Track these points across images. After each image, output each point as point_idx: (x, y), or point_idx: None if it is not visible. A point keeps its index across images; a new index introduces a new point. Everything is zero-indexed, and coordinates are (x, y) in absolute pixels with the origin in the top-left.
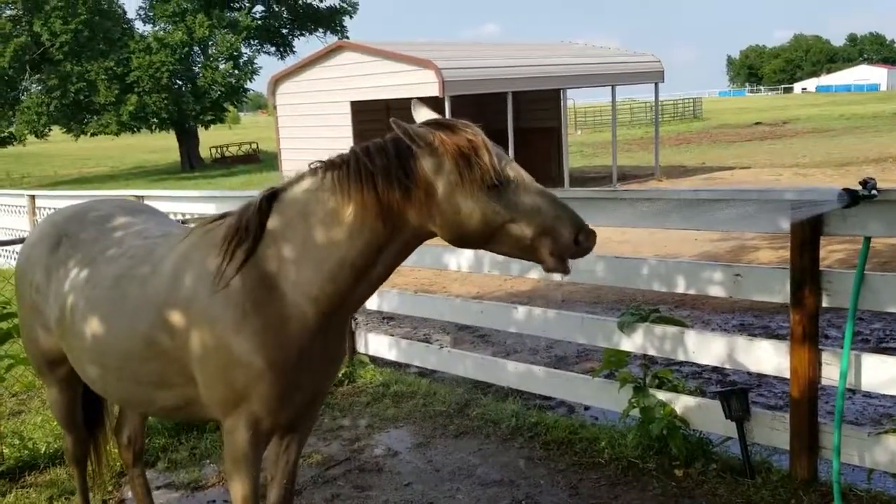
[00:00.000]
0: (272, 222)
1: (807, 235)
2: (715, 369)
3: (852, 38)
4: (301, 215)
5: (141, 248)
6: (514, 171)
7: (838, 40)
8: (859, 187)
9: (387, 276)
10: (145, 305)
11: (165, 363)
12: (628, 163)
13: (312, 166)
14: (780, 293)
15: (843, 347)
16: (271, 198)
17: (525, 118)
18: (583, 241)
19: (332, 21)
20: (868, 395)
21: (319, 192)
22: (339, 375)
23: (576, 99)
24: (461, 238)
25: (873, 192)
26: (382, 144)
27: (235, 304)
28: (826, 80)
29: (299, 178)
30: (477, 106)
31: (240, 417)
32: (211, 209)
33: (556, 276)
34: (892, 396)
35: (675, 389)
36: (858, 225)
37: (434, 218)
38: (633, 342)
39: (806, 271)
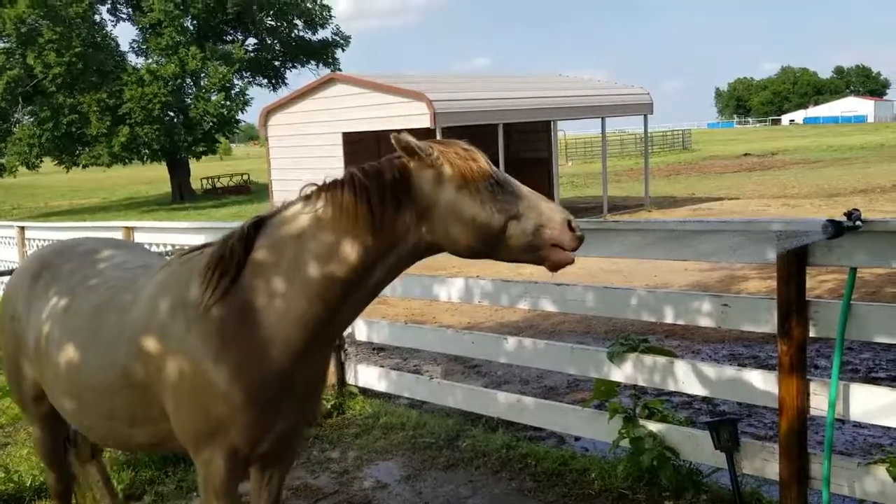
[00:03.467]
0: (258, 249)
1: (793, 266)
2: (705, 399)
3: (839, 71)
4: (289, 238)
5: (121, 280)
6: (505, 175)
7: (825, 73)
8: (844, 218)
9: (375, 295)
10: (122, 335)
11: (140, 396)
12: (618, 193)
13: (304, 191)
14: (768, 323)
15: (831, 377)
16: (257, 225)
17: (516, 149)
18: (575, 226)
19: (324, 54)
20: (858, 425)
21: (309, 214)
22: (329, 406)
23: (566, 130)
24: (469, 243)
25: (857, 223)
26: (376, 164)
27: (215, 333)
28: (814, 111)
29: (289, 203)
30: (468, 137)
31: (216, 448)
32: (201, 240)
33: (555, 273)
34: (881, 426)
35: (664, 420)
36: (844, 256)
37: (439, 229)
38: (622, 372)
39: (793, 301)
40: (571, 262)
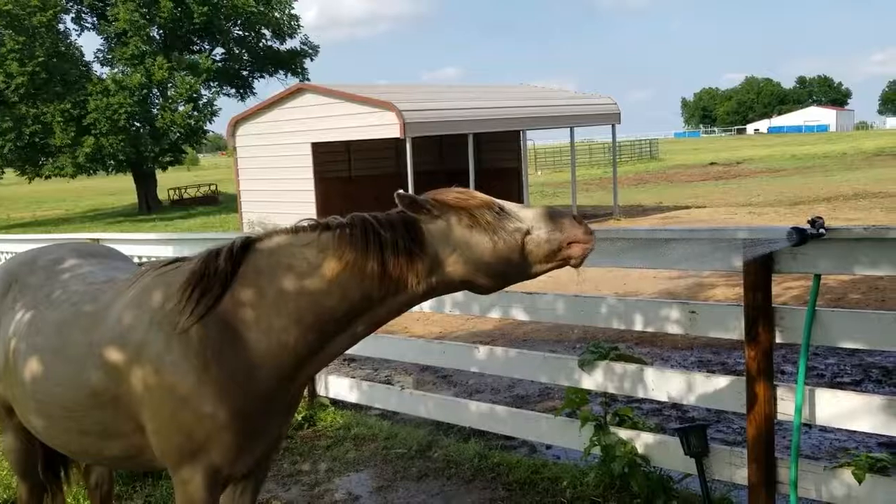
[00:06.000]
0: (245, 270)
1: (759, 273)
2: (674, 406)
3: (802, 81)
4: (281, 266)
5: (84, 295)
6: (502, 201)
7: (788, 83)
8: (808, 226)
9: (380, 326)
10: (90, 353)
11: (113, 412)
12: (588, 202)
13: (301, 223)
14: (736, 330)
15: (797, 382)
16: (246, 246)
17: (486, 159)
18: (580, 219)
19: (292, 63)
20: (824, 429)
21: (308, 249)
22: (299, 418)
23: (535, 140)
24: (499, 272)
25: (821, 230)
26: (387, 215)
27: (196, 352)
28: (777, 121)
29: (282, 231)
30: (438, 147)
31: (196, 467)
32: (169, 252)
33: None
34: (846, 430)
35: (635, 427)
36: (808, 263)
37: (460, 270)
38: (593, 380)
39: (759, 308)
40: (593, 248)
